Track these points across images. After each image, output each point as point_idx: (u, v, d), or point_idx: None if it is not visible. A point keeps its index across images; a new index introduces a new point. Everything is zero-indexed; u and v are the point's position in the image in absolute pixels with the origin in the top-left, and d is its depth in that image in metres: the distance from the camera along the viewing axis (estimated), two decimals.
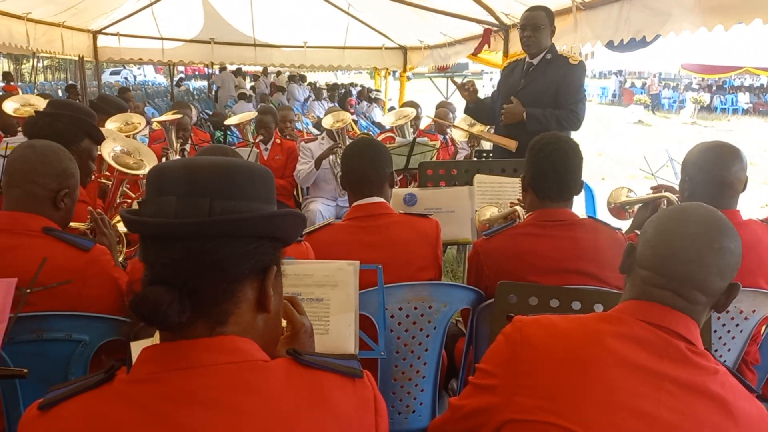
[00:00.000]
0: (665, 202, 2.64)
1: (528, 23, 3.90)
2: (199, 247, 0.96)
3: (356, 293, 1.90)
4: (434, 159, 4.60)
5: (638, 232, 2.36)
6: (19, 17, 8.24)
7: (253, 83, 18.57)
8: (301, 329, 1.26)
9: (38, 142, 2.02)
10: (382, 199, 2.33)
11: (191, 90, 21.22)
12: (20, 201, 1.93)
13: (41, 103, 4.79)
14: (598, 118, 20.37)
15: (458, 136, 5.54)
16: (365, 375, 1.08)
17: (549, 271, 2.15)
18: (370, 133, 8.24)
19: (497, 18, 6.94)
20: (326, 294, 1.89)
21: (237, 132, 7.09)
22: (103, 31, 10.47)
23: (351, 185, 2.37)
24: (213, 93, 16.55)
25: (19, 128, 4.78)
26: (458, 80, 4.42)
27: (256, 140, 5.29)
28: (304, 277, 1.91)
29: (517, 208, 2.57)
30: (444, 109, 6.04)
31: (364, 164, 2.33)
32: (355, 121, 9.75)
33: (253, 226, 1.00)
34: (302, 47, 10.75)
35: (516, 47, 6.83)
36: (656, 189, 2.81)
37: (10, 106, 4.73)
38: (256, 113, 5.85)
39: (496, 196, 3.12)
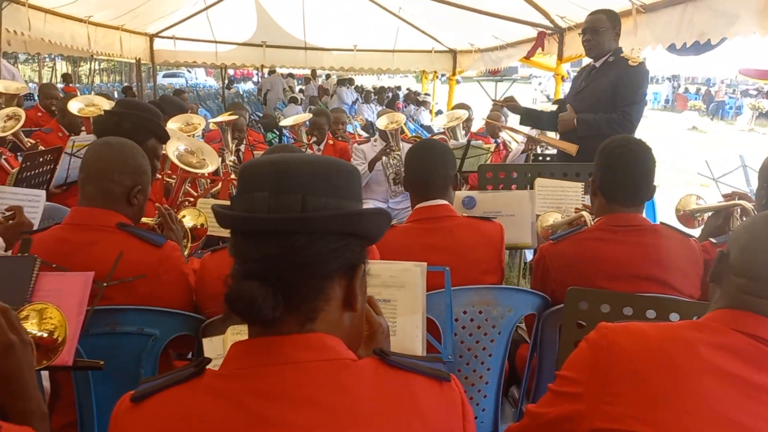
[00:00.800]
0: (739, 210, 2.55)
1: (588, 27, 3.86)
2: (291, 243, 0.96)
3: (423, 295, 1.88)
4: (488, 162, 4.56)
5: (713, 240, 2.30)
6: (81, 20, 8.51)
7: (301, 86, 18.78)
8: (378, 329, 1.25)
9: (113, 139, 2.06)
10: (445, 202, 2.31)
11: (240, 92, 21.57)
12: (96, 197, 1.97)
13: (104, 103, 4.92)
14: (649, 124, 19.91)
15: (511, 139, 5.48)
16: (452, 378, 1.06)
17: (618, 278, 2.09)
18: (421, 136, 8.21)
19: (552, 21, 6.85)
20: (393, 295, 1.88)
21: (287, 133, 7.18)
22: (160, 34, 10.73)
23: (414, 187, 2.35)
24: (262, 95, 16.78)
25: (83, 127, 4.92)
26: (497, 97, 4.42)
27: (310, 141, 5.34)
28: (371, 278, 1.89)
29: (584, 213, 2.51)
30: (497, 112, 5.98)
31: (429, 166, 2.31)
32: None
33: (344, 223, 1.00)
34: (352, 50, 10.82)
35: (571, 50, 6.73)
36: (728, 197, 2.71)
37: (75, 106, 4.87)
38: (310, 115, 5.90)
39: (558, 200, 3.06)
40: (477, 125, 6.17)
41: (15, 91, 5.89)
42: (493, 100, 4.44)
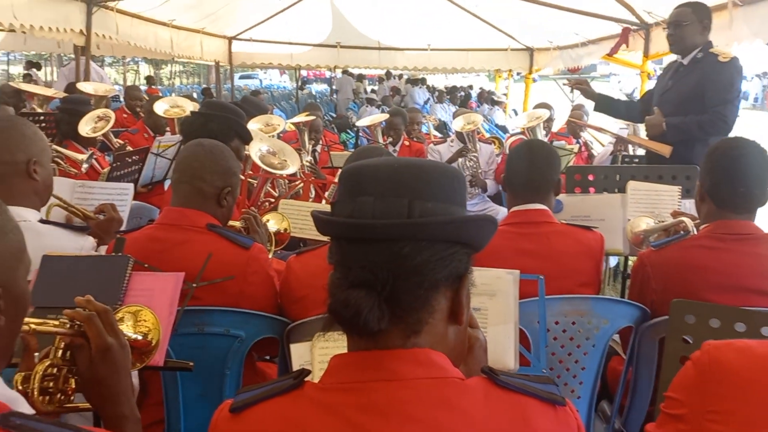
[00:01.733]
0: None
1: (671, 20, 3.65)
2: (398, 249, 0.91)
3: (516, 304, 1.79)
4: (571, 164, 4.39)
5: None
6: (164, 24, 8.82)
7: (373, 86, 18.85)
8: (476, 343, 1.18)
9: (206, 141, 2.08)
10: (545, 207, 2.20)
11: (313, 93, 21.88)
12: (188, 197, 1.99)
13: (187, 105, 5.05)
14: (736, 124, 18.89)
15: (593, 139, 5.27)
16: (567, 402, 0.98)
17: (726, 289, 1.94)
18: (498, 136, 8.06)
19: (638, 16, 6.57)
20: (483, 303, 1.80)
21: (360, 133, 7.17)
22: (238, 36, 10.98)
23: (513, 189, 2.25)
24: (335, 96, 16.97)
25: (167, 128, 5.07)
26: (574, 97, 4.25)
27: (386, 142, 5.31)
28: None
29: (685, 219, 2.35)
30: (579, 111, 5.78)
31: (533, 168, 2.21)
32: None
33: (452, 230, 0.94)
34: (426, 50, 10.75)
35: (658, 47, 6.44)
36: None
37: (160, 107, 5.03)
38: (387, 115, 5.88)
39: (652, 205, 2.89)
40: (557, 125, 5.97)
41: (104, 92, 6.15)
42: (567, 80, 4.24)
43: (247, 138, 2.91)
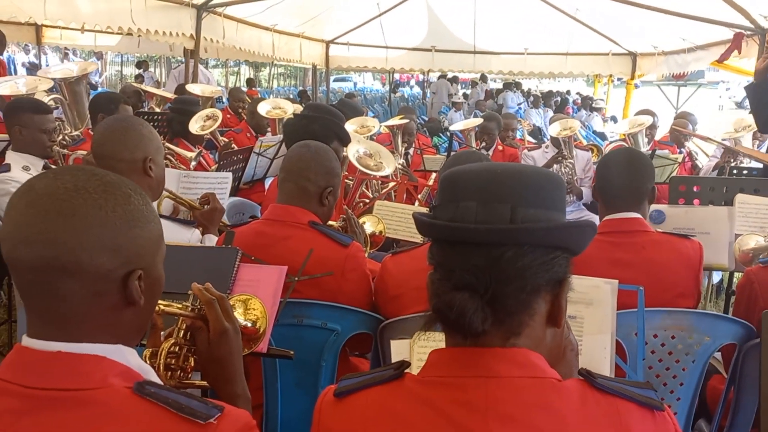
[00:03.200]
0: None
1: None
2: (500, 254, 0.94)
3: (613, 314, 1.76)
4: (674, 174, 4.23)
5: None
6: (267, 29, 9.19)
7: (465, 90, 18.75)
8: (568, 347, 1.18)
9: (312, 143, 2.19)
10: (639, 215, 2.15)
11: (405, 96, 22.02)
12: (292, 195, 2.10)
13: (288, 106, 5.25)
14: None
15: (704, 149, 5.04)
16: (665, 408, 0.97)
17: None
18: (596, 144, 7.84)
19: (753, 20, 6.21)
20: (580, 312, 1.78)
21: (451, 137, 7.17)
22: (335, 40, 11.24)
23: (606, 197, 2.22)
24: (429, 100, 17.01)
25: (269, 128, 5.29)
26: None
27: (479, 147, 5.30)
28: None
29: None
30: (683, 119, 5.54)
31: (626, 176, 2.16)
32: None
33: (554, 235, 0.97)
34: (522, 54, 10.60)
35: None
36: None
37: (263, 108, 5.26)
38: (481, 120, 5.86)
39: (762, 220, 2.74)
40: (660, 133, 5.74)
41: (211, 94, 6.50)
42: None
43: (345, 140, 3.01)
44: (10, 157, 3.17)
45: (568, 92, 19.71)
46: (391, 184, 3.64)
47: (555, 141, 5.17)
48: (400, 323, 1.94)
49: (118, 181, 0.99)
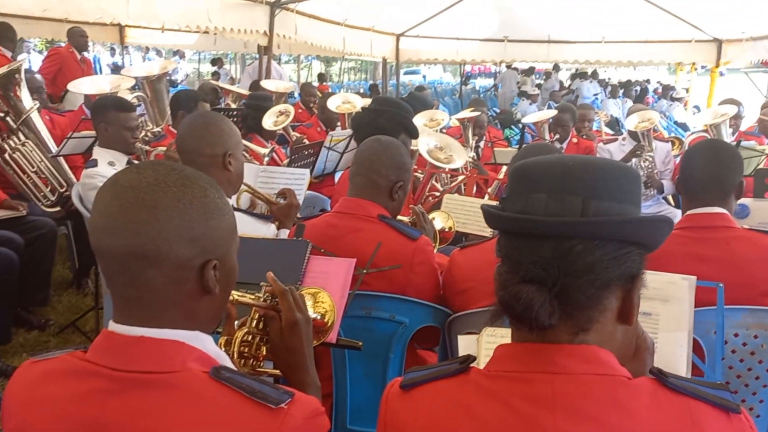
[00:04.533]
0: None
1: None
2: (570, 247, 0.92)
3: (691, 311, 1.70)
4: (761, 166, 4.01)
5: None
6: (338, 23, 9.30)
7: (540, 81, 18.35)
8: (642, 345, 1.15)
9: (384, 137, 2.22)
10: (724, 211, 2.05)
11: (477, 88, 21.77)
12: (363, 188, 2.13)
13: (358, 101, 5.31)
14: None
15: None
16: (742, 411, 0.94)
17: None
18: (677, 135, 7.53)
19: None
20: (655, 309, 1.73)
21: (526, 130, 7.05)
22: (405, 33, 11.24)
23: (689, 191, 2.13)
24: (498, 91, 16.76)
25: (338, 123, 5.36)
26: None
27: (552, 139, 5.19)
28: None
29: None
30: None
31: (711, 169, 2.07)
32: None
33: (626, 229, 0.94)
34: (599, 42, 10.28)
35: None
36: None
37: (333, 103, 5.34)
38: (555, 111, 5.73)
39: None
40: (746, 123, 5.45)
41: (284, 90, 6.65)
42: None
43: (414, 133, 3.02)
44: (97, 152, 3.36)
45: (647, 81, 18.94)
46: (461, 178, 3.62)
47: (633, 133, 5.00)
48: (468, 317, 1.94)
49: (195, 176, 1.04)
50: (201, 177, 1.05)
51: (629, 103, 12.82)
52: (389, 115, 2.92)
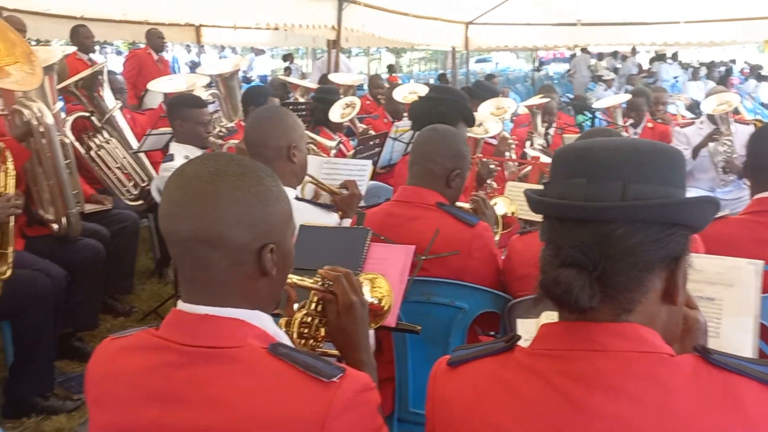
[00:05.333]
0: None
1: None
2: (610, 231, 0.93)
3: (757, 297, 1.64)
4: None
5: None
6: (405, 14, 9.31)
7: (618, 64, 17.74)
8: (694, 325, 1.15)
9: (441, 126, 2.26)
10: None
11: (550, 74, 21.28)
12: (420, 177, 2.17)
13: (423, 90, 5.33)
14: None
15: None
16: None
17: None
18: (761, 117, 7.15)
19: None
20: (718, 293, 1.68)
21: (600, 116, 6.87)
22: (475, 21, 11.11)
23: (757, 174, 2.05)
24: (572, 77, 16.34)
25: (405, 113, 5.40)
26: None
27: (626, 124, 5.05)
28: (692, 272, 1.73)
29: None
30: None
31: None
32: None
33: (668, 212, 0.94)
34: (678, 22, 9.83)
35: None
36: None
37: (399, 94, 5.39)
38: (629, 96, 5.57)
39: None
40: None
41: (352, 83, 6.74)
42: None
43: (471, 121, 3.02)
44: (174, 148, 3.54)
45: (733, 61, 17.95)
46: (528, 168, 3.60)
47: (711, 116, 4.79)
48: (527, 302, 1.95)
49: (252, 166, 1.11)
50: (258, 166, 1.12)
51: (712, 84, 12.22)
52: (448, 103, 2.94)
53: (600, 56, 17.75)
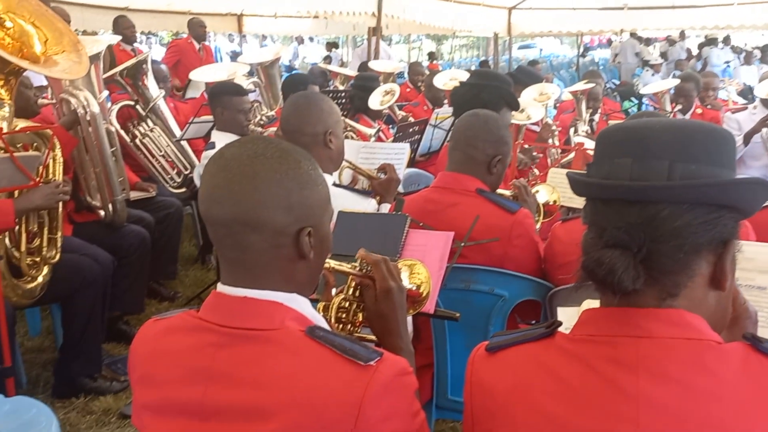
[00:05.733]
0: None
1: None
2: (656, 212, 0.90)
3: None
4: None
5: None
6: (446, 0, 9.22)
7: (665, 49, 17.23)
8: (743, 314, 1.12)
9: (482, 111, 2.22)
10: None
11: (596, 60, 20.81)
12: (461, 163, 2.15)
13: (464, 77, 5.27)
14: None
15: None
16: None
17: None
18: None
19: None
20: None
21: (647, 101, 6.70)
22: (518, 6, 10.93)
23: None
24: (618, 62, 15.93)
25: (445, 100, 5.36)
26: None
27: (674, 110, 4.91)
28: (743, 261, 1.66)
29: None
30: None
31: None
32: None
33: (715, 193, 0.91)
34: (730, 5, 9.49)
35: None
36: None
37: (439, 80, 5.35)
38: (677, 81, 5.41)
39: None
40: None
41: (392, 70, 6.72)
42: None
43: (515, 106, 2.98)
44: (215, 135, 3.59)
45: None
46: (572, 155, 3.52)
47: (765, 101, 4.62)
48: (568, 291, 1.91)
49: (290, 149, 1.11)
50: (296, 150, 1.12)
51: (766, 69, 11.76)
52: (491, 89, 2.90)
53: (648, 41, 17.25)
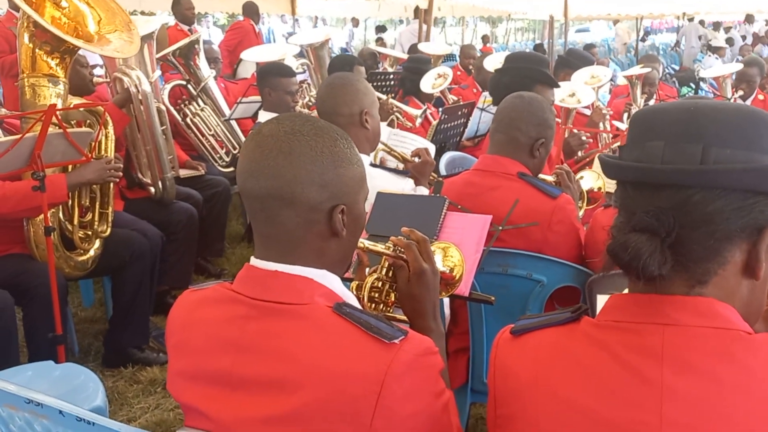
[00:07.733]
0: None
1: None
2: (687, 197, 0.87)
3: None
4: None
5: None
6: None
7: (731, 34, 16.52)
8: None
9: (526, 93, 2.19)
10: None
11: (656, 44, 20.13)
12: (503, 146, 2.12)
13: None
14: None
15: None
16: None
17: None
18: None
19: None
20: None
21: (706, 87, 6.46)
22: None
23: None
24: (679, 47, 15.36)
25: None
26: None
27: (734, 96, 4.72)
28: None
29: None
30: None
31: None
32: None
33: (751, 178, 0.87)
34: None
35: None
36: None
37: (489, 64, 5.28)
38: (740, 65, 5.20)
39: None
40: None
41: (441, 52, 6.67)
42: None
43: (550, 82, 2.90)
44: (263, 116, 3.64)
45: None
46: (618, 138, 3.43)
47: None
48: (608, 279, 1.86)
49: (327, 127, 1.13)
50: (333, 128, 1.14)
51: None
52: (513, 72, 2.87)
53: (715, 26, 16.58)
